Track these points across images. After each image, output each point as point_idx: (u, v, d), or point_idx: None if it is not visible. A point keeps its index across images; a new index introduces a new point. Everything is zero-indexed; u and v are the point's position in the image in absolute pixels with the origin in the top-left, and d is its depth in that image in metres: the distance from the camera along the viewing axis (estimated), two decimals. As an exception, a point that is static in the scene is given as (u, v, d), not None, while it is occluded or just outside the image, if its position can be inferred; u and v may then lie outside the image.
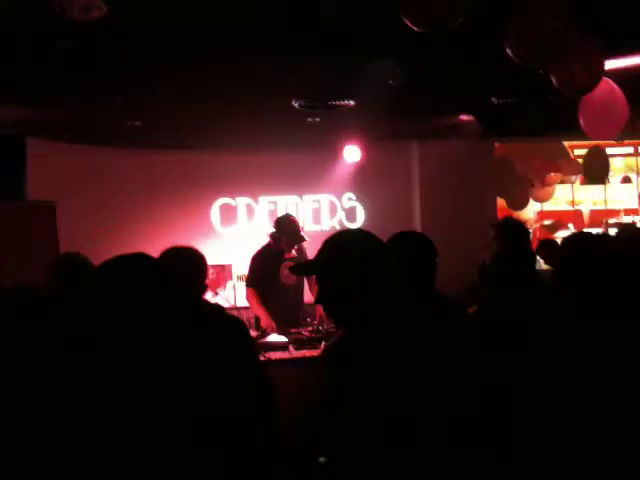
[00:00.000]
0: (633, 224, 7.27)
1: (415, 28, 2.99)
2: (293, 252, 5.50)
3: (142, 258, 2.20)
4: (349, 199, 8.04)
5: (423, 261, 2.76)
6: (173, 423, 1.94)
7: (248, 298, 5.49)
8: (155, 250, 2.73)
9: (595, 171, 7.51)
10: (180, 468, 1.94)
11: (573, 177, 8.04)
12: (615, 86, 4.39)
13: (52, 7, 2.83)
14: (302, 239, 5.49)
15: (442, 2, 2.84)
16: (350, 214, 8.02)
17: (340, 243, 2.03)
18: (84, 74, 4.47)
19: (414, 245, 2.81)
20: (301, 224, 5.82)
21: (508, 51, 3.38)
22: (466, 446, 1.82)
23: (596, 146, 7.41)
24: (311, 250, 5.66)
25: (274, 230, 5.57)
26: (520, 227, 4.87)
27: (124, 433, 1.88)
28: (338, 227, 7.96)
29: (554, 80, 3.88)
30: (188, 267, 2.79)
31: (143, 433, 1.90)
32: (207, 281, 2.88)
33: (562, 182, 8.28)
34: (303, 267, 2.93)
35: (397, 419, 1.76)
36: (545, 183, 7.97)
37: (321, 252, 2.02)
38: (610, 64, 4.37)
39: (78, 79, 4.59)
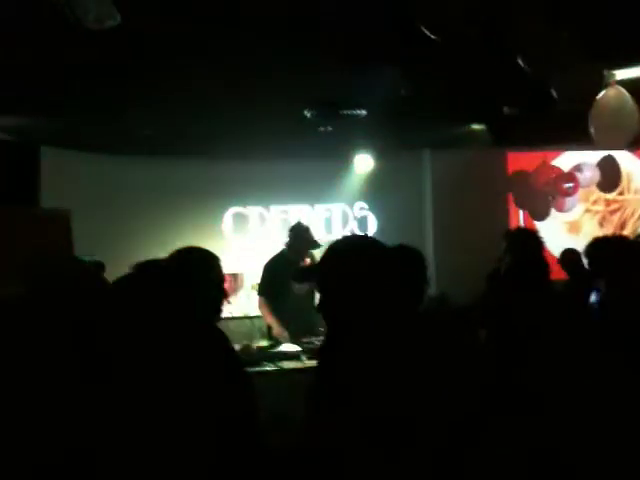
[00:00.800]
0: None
1: (431, 35, 3.01)
2: (307, 260, 5.50)
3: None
4: (361, 208, 8.06)
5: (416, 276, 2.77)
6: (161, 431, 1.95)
7: (260, 307, 5.50)
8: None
9: (607, 179, 7.50)
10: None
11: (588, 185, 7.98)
12: (626, 95, 4.39)
13: (66, 16, 2.87)
14: (316, 246, 5.49)
15: (457, 9, 2.86)
16: (362, 223, 8.03)
17: (340, 249, 2.00)
18: (96, 83, 4.52)
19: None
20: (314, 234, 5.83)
21: (519, 61, 3.40)
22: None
23: (608, 155, 7.40)
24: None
25: (287, 239, 5.59)
26: (533, 237, 4.85)
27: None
28: (350, 236, 7.95)
29: (556, 91, 3.89)
30: (203, 266, 2.72)
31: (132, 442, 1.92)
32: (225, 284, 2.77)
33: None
34: (302, 274, 2.91)
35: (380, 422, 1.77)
36: (562, 194, 7.93)
37: (323, 259, 2.01)
38: (621, 73, 4.39)
39: (90, 88, 4.64)
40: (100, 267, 3.98)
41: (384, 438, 1.75)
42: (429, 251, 7.75)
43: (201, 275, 2.65)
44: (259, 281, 5.64)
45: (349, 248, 2.01)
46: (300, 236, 5.49)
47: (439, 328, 2.08)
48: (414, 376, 1.81)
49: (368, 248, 1.99)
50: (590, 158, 7.81)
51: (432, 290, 6.98)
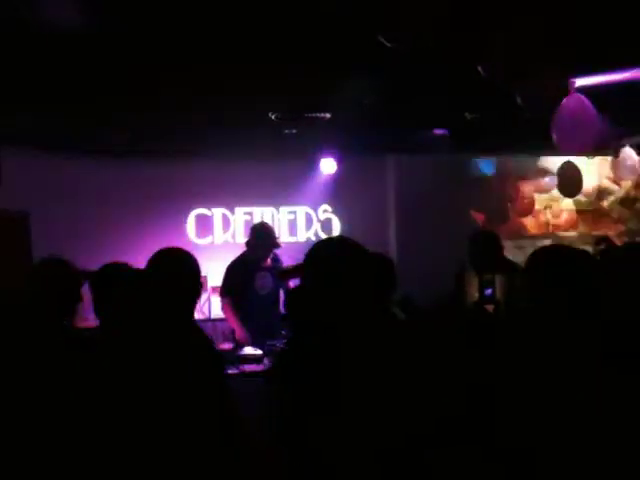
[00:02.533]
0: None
1: (387, 44, 3.03)
2: (268, 261, 5.49)
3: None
4: (325, 211, 8.06)
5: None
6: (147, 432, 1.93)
7: (223, 309, 5.47)
8: (129, 259, 2.72)
9: (568, 184, 7.63)
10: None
11: (548, 188, 8.12)
12: (587, 102, 4.47)
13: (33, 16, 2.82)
14: (277, 246, 5.49)
15: (414, 19, 2.88)
16: (326, 226, 8.04)
17: (325, 251, 2.02)
18: (60, 82, 4.45)
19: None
20: (277, 235, 5.82)
21: (479, 68, 3.44)
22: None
23: (568, 160, 7.54)
24: (287, 261, 5.66)
25: (249, 239, 5.57)
26: (492, 239, 4.92)
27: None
28: (314, 239, 7.96)
29: (519, 97, 3.95)
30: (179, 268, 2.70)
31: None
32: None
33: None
34: (286, 274, 2.92)
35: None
36: (520, 196, 8.07)
37: (308, 260, 2.01)
38: (581, 81, 4.47)
39: (54, 87, 4.57)
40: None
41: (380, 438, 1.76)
42: (392, 254, 7.79)
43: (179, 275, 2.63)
44: (221, 283, 5.61)
45: (334, 250, 2.03)
46: (262, 236, 5.47)
47: (418, 330, 2.11)
48: (408, 378, 1.83)
49: (352, 250, 2.01)
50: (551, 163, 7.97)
51: (396, 293, 7.06)
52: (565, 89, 4.22)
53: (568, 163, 7.59)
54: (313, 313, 1.96)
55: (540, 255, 2.59)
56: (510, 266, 4.32)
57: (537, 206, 8.35)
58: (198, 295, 2.65)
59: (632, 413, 2.01)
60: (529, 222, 8.55)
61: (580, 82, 4.36)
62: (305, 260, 2.01)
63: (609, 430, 2.03)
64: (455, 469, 1.87)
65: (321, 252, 2.01)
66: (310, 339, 1.95)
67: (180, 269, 2.61)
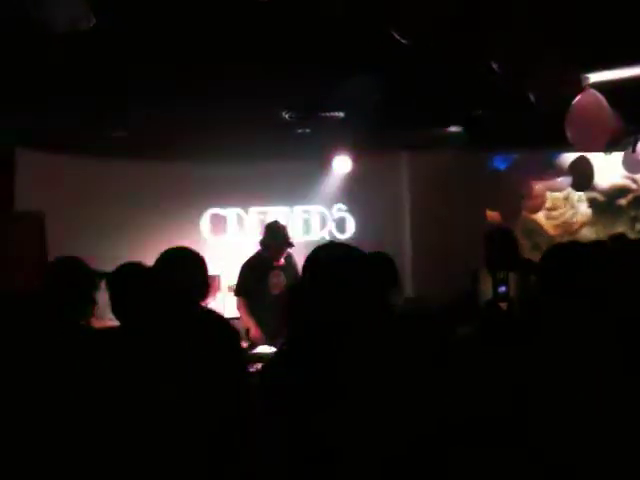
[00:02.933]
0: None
1: (401, 39, 3.03)
2: (282, 260, 5.51)
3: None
4: (339, 210, 8.06)
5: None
6: (161, 422, 1.95)
7: (238, 308, 5.49)
8: (144, 258, 2.74)
9: (581, 179, 7.59)
10: (167, 465, 1.95)
11: (563, 185, 8.07)
12: (601, 98, 4.44)
13: (39, 18, 2.83)
14: (290, 245, 5.50)
15: (427, 13, 2.87)
16: (340, 225, 8.04)
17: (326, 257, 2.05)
18: (71, 85, 4.48)
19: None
20: (291, 235, 5.82)
21: (493, 65, 3.43)
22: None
23: (581, 155, 7.49)
24: (301, 261, 5.66)
25: (263, 237, 5.58)
26: (507, 236, 4.90)
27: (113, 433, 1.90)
28: (328, 238, 7.97)
29: (531, 94, 3.93)
30: (188, 266, 2.74)
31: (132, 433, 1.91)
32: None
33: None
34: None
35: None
36: (534, 195, 8.03)
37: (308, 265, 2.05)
38: (596, 77, 4.44)
39: (65, 90, 4.60)
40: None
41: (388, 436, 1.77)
42: (407, 252, 7.79)
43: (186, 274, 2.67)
44: (236, 282, 5.63)
45: (334, 254, 2.08)
46: (275, 234, 5.49)
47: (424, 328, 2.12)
48: (416, 375, 1.84)
49: (352, 254, 2.04)
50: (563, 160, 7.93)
51: (409, 291, 7.07)
52: (579, 85, 4.19)
53: (581, 157, 7.54)
54: (313, 314, 1.98)
55: (555, 252, 2.60)
56: (525, 263, 4.30)
57: (550, 204, 8.36)
58: (206, 292, 2.69)
59: None
60: (545, 222, 8.55)
61: (594, 78, 4.33)
62: (305, 264, 2.04)
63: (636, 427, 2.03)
64: (479, 470, 1.88)
65: (321, 256, 2.04)
66: (310, 340, 1.96)
67: (186, 267, 2.65)
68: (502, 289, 3.39)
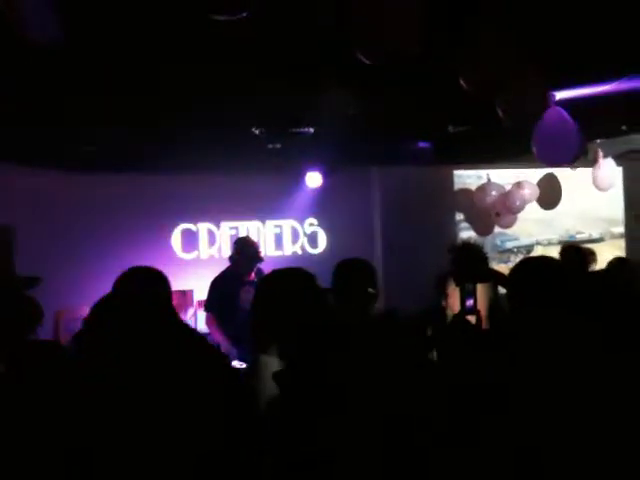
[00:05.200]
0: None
1: (367, 61, 3.06)
2: (253, 275, 5.50)
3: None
4: (311, 224, 8.09)
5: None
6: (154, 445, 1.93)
7: (207, 323, 5.47)
8: (114, 276, 2.72)
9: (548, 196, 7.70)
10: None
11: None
12: (566, 115, 4.53)
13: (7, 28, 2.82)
14: (260, 260, 5.49)
15: (393, 35, 2.91)
16: (312, 239, 8.06)
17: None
18: (38, 96, 4.45)
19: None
20: (263, 250, 5.84)
21: (461, 82, 3.49)
22: None
23: (549, 173, 7.61)
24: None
25: (233, 252, 5.58)
26: (476, 250, 4.95)
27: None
28: (300, 252, 8.00)
29: (500, 110, 4.01)
30: (151, 287, 2.73)
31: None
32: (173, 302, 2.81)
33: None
34: None
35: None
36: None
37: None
38: (562, 94, 4.53)
39: (33, 103, 4.56)
40: (36, 282, 3.89)
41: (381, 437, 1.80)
42: (378, 266, 7.83)
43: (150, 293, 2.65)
44: (206, 297, 5.61)
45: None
46: (245, 250, 5.49)
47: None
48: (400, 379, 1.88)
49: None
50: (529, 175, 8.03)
51: (381, 304, 7.09)
52: (545, 102, 4.28)
53: (549, 175, 7.67)
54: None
55: (525, 264, 2.68)
56: (493, 275, 4.35)
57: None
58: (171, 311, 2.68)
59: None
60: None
61: (560, 95, 4.42)
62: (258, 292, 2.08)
63: (616, 423, 2.07)
64: (460, 469, 1.92)
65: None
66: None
67: (147, 288, 2.64)
68: (469, 302, 3.41)
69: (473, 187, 7.94)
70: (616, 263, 5.10)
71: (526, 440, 2.08)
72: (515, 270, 2.65)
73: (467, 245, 4.74)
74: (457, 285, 3.82)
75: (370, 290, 3.20)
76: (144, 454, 1.90)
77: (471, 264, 4.25)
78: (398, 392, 1.93)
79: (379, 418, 1.87)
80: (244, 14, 2.67)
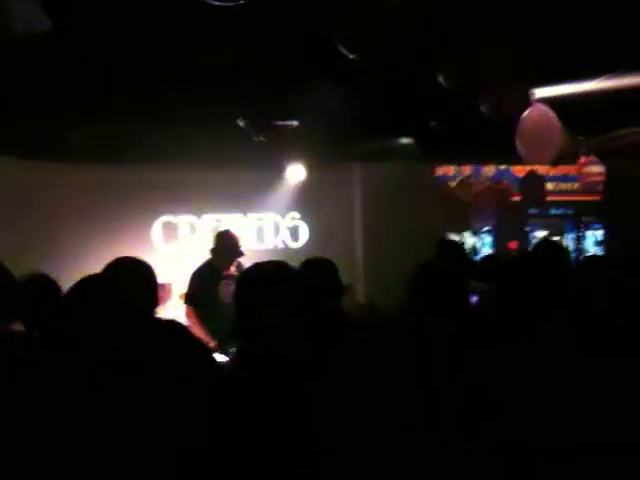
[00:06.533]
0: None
1: (350, 56, 3.06)
2: (232, 269, 5.48)
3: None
4: (293, 218, 8.07)
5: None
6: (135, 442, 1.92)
7: (187, 316, 5.44)
8: (93, 266, 2.70)
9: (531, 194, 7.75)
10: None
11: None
12: (550, 112, 4.56)
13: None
14: (240, 254, 5.47)
15: (376, 32, 2.91)
16: (293, 233, 8.05)
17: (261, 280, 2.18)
18: (23, 89, 4.40)
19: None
20: (245, 243, 5.80)
21: (440, 79, 3.50)
22: None
23: (532, 170, 7.67)
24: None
25: (213, 246, 5.55)
26: (458, 247, 5.00)
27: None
28: (282, 246, 7.98)
29: (483, 107, 4.02)
30: (136, 278, 2.72)
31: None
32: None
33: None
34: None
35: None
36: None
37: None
38: (543, 92, 4.56)
39: (18, 94, 4.52)
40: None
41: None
42: (359, 259, 7.85)
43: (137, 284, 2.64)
44: (186, 290, 5.57)
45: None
46: (225, 243, 5.46)
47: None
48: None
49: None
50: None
51: (361, 298, 7.10)
52: (526, 100, 4.30)
53: (531, 173, 7.73)
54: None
55: (514, 262, 2.73)
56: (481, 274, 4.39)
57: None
58: (156, 303, 2.67)
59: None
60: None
61: (540, 93, 4.44)
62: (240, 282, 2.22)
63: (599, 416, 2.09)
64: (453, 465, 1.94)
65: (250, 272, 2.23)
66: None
67: (134, 278, 2.62)
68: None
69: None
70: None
71: (515, 442, 2.09)
72: (503, 268, 2.68)
73: (453, 242, 4.78)
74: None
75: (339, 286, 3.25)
76: (123, 450, 1.89)
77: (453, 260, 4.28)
78: (394, 388, 1.94)
79: (375, 415, 1.88)
80: (241, 1, 2.65)
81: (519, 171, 8.95)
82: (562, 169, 8.88)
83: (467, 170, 8.83)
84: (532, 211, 9.14)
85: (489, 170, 8.91)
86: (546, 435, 2.09)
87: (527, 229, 9.49)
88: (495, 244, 9.24)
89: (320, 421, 1.86)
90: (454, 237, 8.39)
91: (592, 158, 7.44)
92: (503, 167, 8.89)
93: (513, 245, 9.38)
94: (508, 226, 9.23)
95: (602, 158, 7.63)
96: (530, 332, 2.32)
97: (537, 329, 2.32)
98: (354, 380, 1.95)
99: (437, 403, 2.05)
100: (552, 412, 2.11)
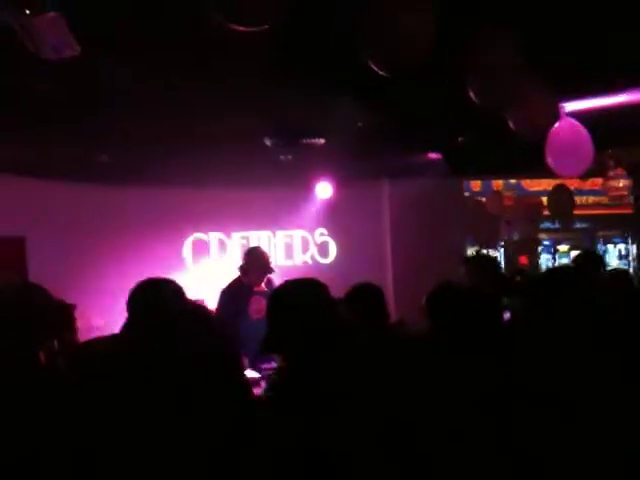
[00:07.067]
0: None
1: (380, 72, 3.07)
2: (263, 286, 5.49)
3: None
4: (321, 234, 8.09)
5: None
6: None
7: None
8: (126, 285, 2.73)
9: (560, 208, 7.67)
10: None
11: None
12: (580, 126, 4.53)
13: (26, 47, 2.85)
14: (270, 271, 5.48)
15: (405, 48, 2.92)
16: (322, 249, 8.06)
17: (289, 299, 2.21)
18: (53, 110, 4.48)
19: None
20: (274, 259, 5.82)
21: (471, 94, 3.49)
22: None
23: (560, 184, 7.59)
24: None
25: (242, 263, 5.56)
26: (491, 261, 4.96)
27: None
28: (310, 262, 8.00)
29: (511, 123, 4.00)
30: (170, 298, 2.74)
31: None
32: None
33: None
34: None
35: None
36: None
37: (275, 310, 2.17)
38: (573, 105, 4.53)
39: (47, 114, 4.59)
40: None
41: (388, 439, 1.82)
42: (388, 276, 7.82)
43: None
44: (215, 307, 5.59)
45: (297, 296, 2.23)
46: (255, 260, 5.47)
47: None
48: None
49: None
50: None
51: (392, 316, 7.07)
52: (556, 114, 4.27)
53: (559, 186, 7.65)
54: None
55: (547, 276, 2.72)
56: (513, 288, 4.36)
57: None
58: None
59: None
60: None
61: (570, 107, 4.42)
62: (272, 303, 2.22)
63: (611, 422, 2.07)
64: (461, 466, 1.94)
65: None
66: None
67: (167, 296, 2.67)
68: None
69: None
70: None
71: (523, 442, 2.09)
72: (536, 282, 2.68)
73: (485, 257, 4.74)
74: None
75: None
76: (151, 453, 1.89)
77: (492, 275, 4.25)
78: (401, 395, 1.95)
79: (381, 420, 1.90)
80: (265, 26, 2.68)
81: (528, 185, 8.94)
82: (587, 183, 8.81)
83: (498, 185, 8.79)
84: (548, 225, 9.06)
85: (498, 185, 8.89)
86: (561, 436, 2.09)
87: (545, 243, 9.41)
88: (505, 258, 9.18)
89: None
90: (482, 251, 8.34)
91: (618, 171, 7.33)
92: (513, 181, 8.85)
93: (524, 260, 9.30)
94: (522, 240, 9.14)
95: (630, 171, 7.55)
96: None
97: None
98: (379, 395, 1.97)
99: (442, 410, 2.07)
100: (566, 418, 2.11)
